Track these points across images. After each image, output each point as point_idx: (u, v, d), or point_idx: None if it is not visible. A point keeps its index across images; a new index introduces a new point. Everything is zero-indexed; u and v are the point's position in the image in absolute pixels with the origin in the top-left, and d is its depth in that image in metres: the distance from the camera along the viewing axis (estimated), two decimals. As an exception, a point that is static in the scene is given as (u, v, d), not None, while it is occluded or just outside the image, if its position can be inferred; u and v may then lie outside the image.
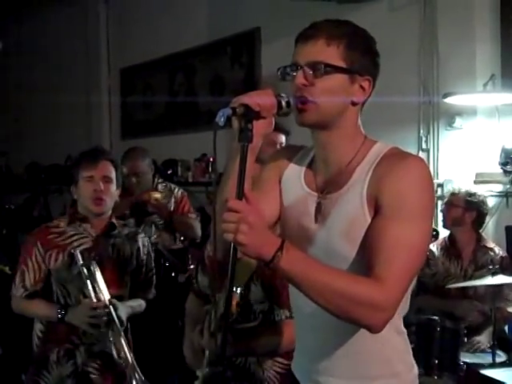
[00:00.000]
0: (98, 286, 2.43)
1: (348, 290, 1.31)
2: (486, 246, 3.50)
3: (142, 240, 2.73)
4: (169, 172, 5.70)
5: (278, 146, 3.28)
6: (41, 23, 7.57)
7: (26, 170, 7.68)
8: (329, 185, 1.52)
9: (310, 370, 1.60)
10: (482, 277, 3.19)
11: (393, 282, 1.33)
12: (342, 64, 1.43)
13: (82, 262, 2.45)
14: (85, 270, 2.44)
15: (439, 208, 3.63)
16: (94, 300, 2.41)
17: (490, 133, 3.78)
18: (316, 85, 1.42)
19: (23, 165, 7.74)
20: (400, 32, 4.07)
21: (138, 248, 2.68)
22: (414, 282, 1.51)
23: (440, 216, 3.66)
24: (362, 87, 1.47)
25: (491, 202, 3.65)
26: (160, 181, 4.29)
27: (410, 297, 1.55)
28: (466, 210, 3.45)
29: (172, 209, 4.16)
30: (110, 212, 2.63)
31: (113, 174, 2.59)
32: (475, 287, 3.34)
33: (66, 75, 7.21)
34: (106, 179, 2.56)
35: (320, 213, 1.51)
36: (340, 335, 1.51)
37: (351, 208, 1.44)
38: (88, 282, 2.43)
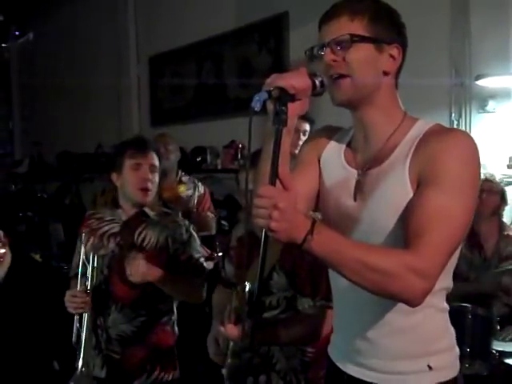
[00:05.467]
0: (90, 276, 2.46)
1: (383, 264, 1.29)
2: (510, 236, 3.39)
3: (177, 229, 2.62)
4: (198, 159, 5.71)
5: (302, 135, 3.27)
6: (70, 11, 7.63)
7: (58, 159, 7.77)
8: (368, 161, 1.51)
9: (351, 351, 1.59)
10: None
11: (431, 251, 1.30)
12: (367, 35, 1.42)
13: (83, 249, 2.52)
14: (84, 256, 2.51)
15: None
16: (79, 287, 2.46)
17: (525, 116, 3.69)
18: (346, 58, 1.42)
19: (55, 154, 7.84)
20: (431, 13, 3.97)
21: (167, 237, 2.58)
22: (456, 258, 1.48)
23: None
24: (391, 56, 1.46)
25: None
26: (183, 173, 4.31)
27: (452, 275, 1.52)
28: (502, 198, 3.37)
29: (195, 203, 4.19)
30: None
31: (158, 164, 2.60)
32: (500, 280, 3.24)
33: (95, 64, 7.25)
34: (153, 168, 2.56)
35: (360, 189, 1.51)
36: (381, 315, 1.50)
37: (394, 183, 1.43)
38: (81, 268, 2.49)
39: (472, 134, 3.97)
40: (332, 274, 1.63)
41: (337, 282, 1.61)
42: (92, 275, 2.46)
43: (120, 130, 7.02)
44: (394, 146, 1.47)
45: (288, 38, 5.07)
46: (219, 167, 5.62)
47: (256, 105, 1.31)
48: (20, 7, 8.01)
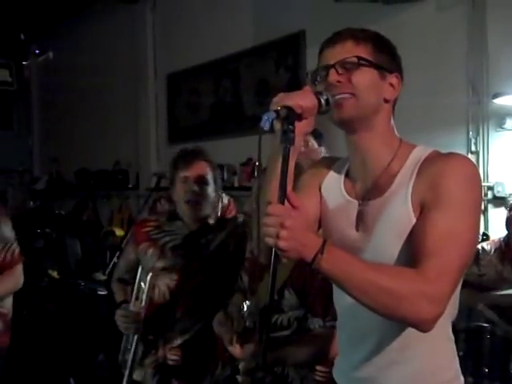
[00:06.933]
0: (142, 295, 2.45)
1: (394, 286, 1.28)
2: None
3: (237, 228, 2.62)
4: (214, 177, 5.72)
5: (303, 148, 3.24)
6: (90, 30, 7.73)
7: (76, 176, 7.84)
8: (369, 191, 1.51)
9: (356, 378, 1.57)
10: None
11: (440, 274, 1.29)
12: (372, 60, 1.45)
13: (141, 267, 2.50)
14: (139, 273, 2.49)
15: (489, 211, 3.53)
16: (132, 307, 2.45)
17: (543, 134, 3.66)
18: (352, 80, 1.43)
19: (73, 171, 7.91)
20: (448, 31, 3.96)
21: (227, 236, 2.58)
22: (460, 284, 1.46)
23: (490, 219, 3.56)
24: (391, 85, 1.49)
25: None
26: None
27: (458, 301, 1.51)
28: None
29: (219, 215, 4.18)
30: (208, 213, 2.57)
31: (209, 175, 2.54)
32: None
33: (113, 82, 7.32)
34: (201, 179, 2.50)
35: (362, 220, 1.50)
36: (388, 343, 1.48)
37: (397, 214, 1.42)
38: (136, 287, 2.47)
39: (490, 153, 3.96)
40: (336, 297, 1.62)
41: (341, 305, 1.60)
42: (147, 295, 2.45)
43: (137, 147, 7.07)
44: (394, 173, 1.47)
45: (305, 56, 5.08)
46: (236, 185, 5.63)
47: (265, 124, 1.33)
48: (40, 26, 8.13)
